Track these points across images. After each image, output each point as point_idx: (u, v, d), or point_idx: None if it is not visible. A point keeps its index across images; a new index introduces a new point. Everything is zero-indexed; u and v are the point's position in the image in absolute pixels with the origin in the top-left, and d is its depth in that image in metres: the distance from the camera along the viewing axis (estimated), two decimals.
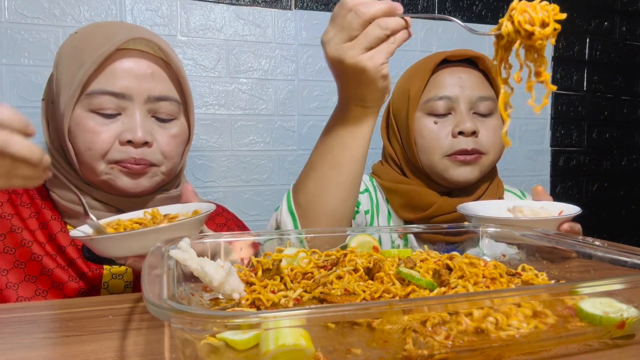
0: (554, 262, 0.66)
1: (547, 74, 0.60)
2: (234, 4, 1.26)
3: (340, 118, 0.79)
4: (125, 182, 0.78)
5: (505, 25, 0.59)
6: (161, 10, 1.20)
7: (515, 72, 0.61)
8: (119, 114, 0.78)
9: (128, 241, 0.61)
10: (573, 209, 0.78)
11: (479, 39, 1.52)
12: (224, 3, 1.25)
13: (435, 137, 1.01)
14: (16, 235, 0.77)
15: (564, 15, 0.57)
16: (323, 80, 1.35)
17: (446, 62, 1.07)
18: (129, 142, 0.76)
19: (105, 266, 0.80)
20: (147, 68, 0.79)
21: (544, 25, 0.57)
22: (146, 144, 0.78)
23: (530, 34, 0.58)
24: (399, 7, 0.68)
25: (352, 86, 0.73)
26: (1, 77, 1.09)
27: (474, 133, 0.99)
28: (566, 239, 0.61)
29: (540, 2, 0.58)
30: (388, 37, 0.68)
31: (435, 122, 1.02)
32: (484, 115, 1.03)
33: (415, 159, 1.04)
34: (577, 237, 0.62)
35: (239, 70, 1.28)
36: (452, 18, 0.69)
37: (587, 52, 1.71)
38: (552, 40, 0.58)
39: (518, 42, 0.59)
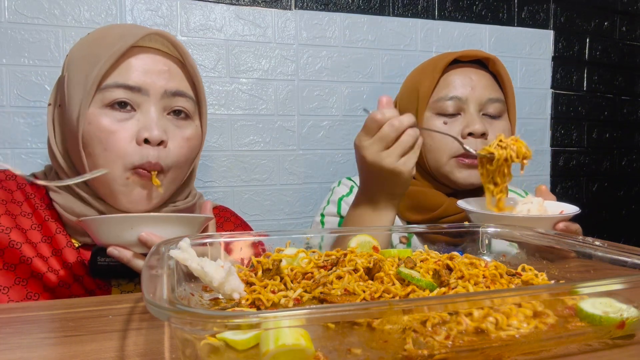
0: (553, 261, 0.66)
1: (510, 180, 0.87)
2: (234, 4, 1.26)
3: (369, 207, 0.86)
4: (137, 192, 0.75)
5: (498, 152, 0.85)
6: (161, 10, 1.20)
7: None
8: (134, 110, 0.75)
9: (116, 226, 0.62)
10: (572, 209, 0.78)
11: (479, 39, 1.52)
12: (224, 3, 1.25)
13: (445, 137, 1.01)
14: (15, 251, 0.73)
15: (531, 156, 0.85)
16: (323, 80, 1.35)
17: (456, 62, 1.07)
18: (146, 142, 0.73)
19: (113, 282, 0.77)
20: (163, 65, 0.77)
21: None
22: (162, 143, 0.75)
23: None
24: (414, 116, 0.81)
25: (383, 184, 0.82)
26: (1, 77, 1.09)
27: (483, 134, 0.99)
28: (566, 239, 0.61)
29: (515, 140, 0.85)
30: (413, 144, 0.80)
31: (445, 123, 1.02)
32: (492, 118, 1.03)
33: (423, 159, 1.04)
34: (577, 237, 0.62)
35: (239, 70, 1.28)
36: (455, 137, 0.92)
37: (587, 52, 1.71)
38: (525, 163, 0.85)
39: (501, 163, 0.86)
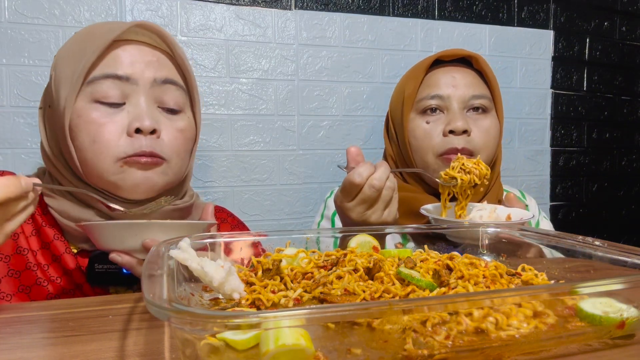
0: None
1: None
2: (234, 4, 1.26)
3: None
4: (136, 176, 0.73)
5: (460, 177, 0.88)
6: (161, 10, 1.20)
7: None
8: (124, 103, 0.73)
9: (120, 232, 0.62)
10: (526, 216, 0.84)
11: (477, 40, 1.52)
12: (224, 3, 1.25)
13: (428, 136, 1.01)
14: (22, 258, 0.72)
15: (489, 174, 0.90)
16: (323, 80, 1.35)
17: (441, 62, 1.07)
18: (138, 132, 0.72)
19: (111, 289, 0.77)
20: (151, 56, 0.76)
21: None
22: (154, 132, 0.73)
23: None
24: (388, 165, 0.80)
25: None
26: (1, 77, 1.09)
27: (465, 132, 0.99)
28: (566, 239, 0.62)
29: (477, 163, 0.89)
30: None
31: (428, 122, 1.02)
32: (477, 114, 1.03)
33: (411, 160, 1.04)
34: (577, 237, 0.62)
35: (239, 70, 1.28)
36: (423, 171, 1.00)
37: (587, 52, 1.71)
38: (485, 182, 0.90)
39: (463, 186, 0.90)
